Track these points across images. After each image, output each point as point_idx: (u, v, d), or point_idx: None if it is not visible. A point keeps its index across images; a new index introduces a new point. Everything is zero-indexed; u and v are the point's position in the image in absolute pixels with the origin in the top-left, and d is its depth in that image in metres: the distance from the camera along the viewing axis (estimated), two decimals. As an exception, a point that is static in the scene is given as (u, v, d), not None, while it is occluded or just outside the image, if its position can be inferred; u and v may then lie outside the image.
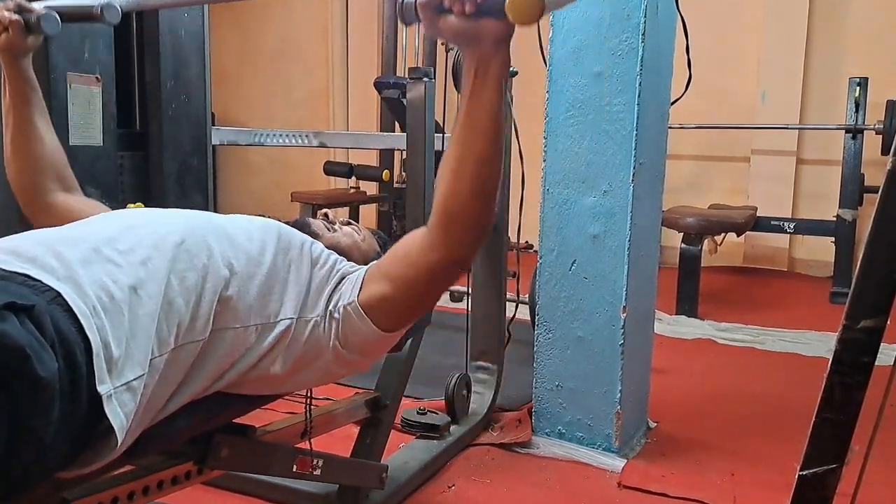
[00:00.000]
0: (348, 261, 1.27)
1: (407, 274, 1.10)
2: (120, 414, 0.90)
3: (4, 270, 0.91)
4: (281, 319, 1.11)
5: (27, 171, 1.35)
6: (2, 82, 1.33)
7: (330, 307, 1.15)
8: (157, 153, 2.25)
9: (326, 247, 1.30)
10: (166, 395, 1.00)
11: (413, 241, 1.10)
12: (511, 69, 2.31)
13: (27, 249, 0.95)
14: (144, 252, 1.01)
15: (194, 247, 1.05)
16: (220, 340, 1.05)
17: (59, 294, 0.89)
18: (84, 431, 0.89)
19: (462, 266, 1.10)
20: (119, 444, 0.90)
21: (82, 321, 0.88)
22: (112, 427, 0.89)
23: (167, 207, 1.31)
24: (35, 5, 1.32)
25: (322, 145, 2.42)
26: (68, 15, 1.37)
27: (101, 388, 0.88)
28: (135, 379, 0.92)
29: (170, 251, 1.02)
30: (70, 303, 0.89)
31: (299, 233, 1.24)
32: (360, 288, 1.14)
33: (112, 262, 0.97)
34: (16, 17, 1.29)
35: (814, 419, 0.83)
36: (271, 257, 1.13)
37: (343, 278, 1.18)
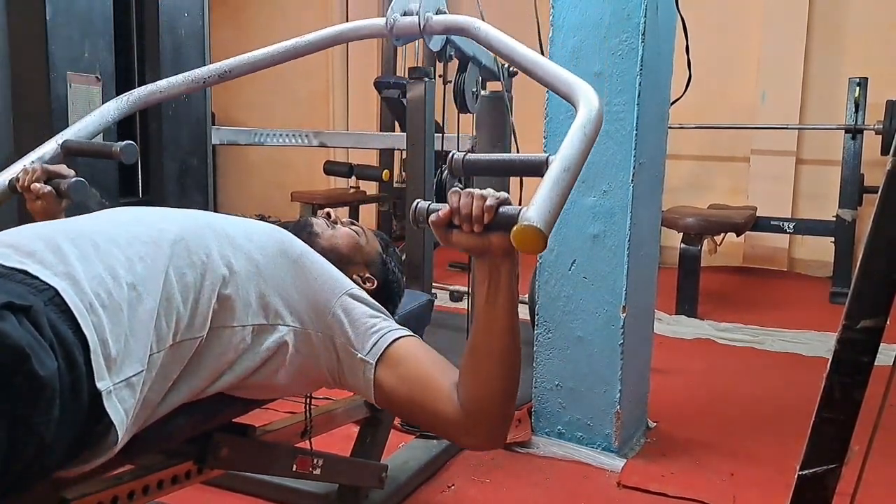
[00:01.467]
0: (348, 269, 1.27)
1: (425, 413, 1.09)
2: (120, 410, 0.90)
3: (3, 267, 0.92)
4: (280, 325, 1.11)
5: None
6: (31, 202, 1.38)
7: (337, 340, 1.12)
8: (157, 153, 2.25)
9: (325, 247, 1.30)
10: (163, 391, 1.00)
11: (442, 396, 1.06)
12: (511, 69, 2.33)
13: (27, 244, 0.96)
14: (144, 249, 1.01)
15: (193, 245, 1.05)
16: (218, 339, 1.05)
17: (56, 293, 0.89)
18: (84, 429, 0.89)
19: (468, 444, 1.12)
20: (119, 440, 0.91)
21: (79, 319, 0.88)
22: (111, 424, 0.89)
23: (167, 207, 1.31)
24: (62, 168, 1.38)
25: (322, 145, 2.42)
26: (89, 154, 1.51)
27: (100, 385, 0.88)
28: (134, 375, 0.92)
29: (169, 248, 1.02)
30: (67, 301, 0.89)
31: (300, 241, 1.22)
32: (380, 357, 1.10)
33: (112, 258, 0.97)
34: (47, 188, 1.34)
35: (813, 419, 0.83)
36: (271, 260, 1.13)
37: (353, 311, 1.14)
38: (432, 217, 0.99)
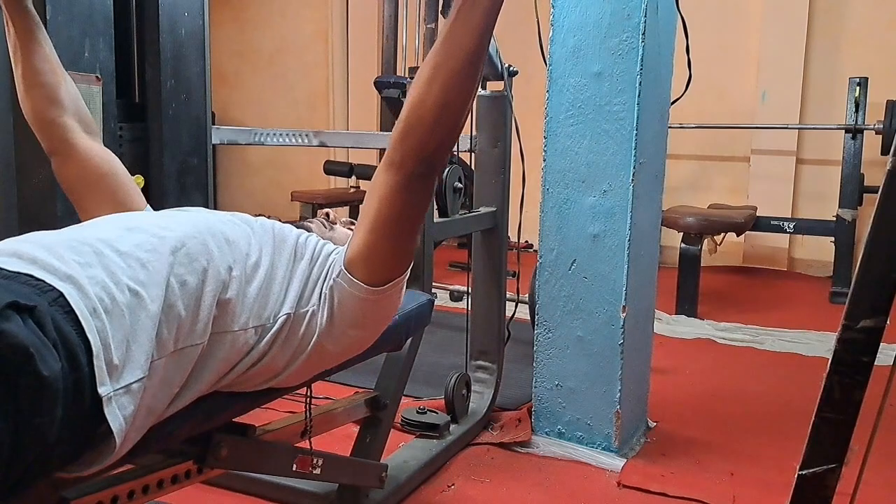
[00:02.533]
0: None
1: (378, 211, 1.11)
2: (119, 417, 0.90)
3: (7, 271, 0.92)
4: (279, 317, 1.12)
5: (45, 104, 1.32)
6: (5, 23, 1.31)
7: (324, 290, 1.16)
8: (157, 152, 2.25)
9: None
10: (168, 398, 1.00)
11: (375, 177, 1.11)
12: (511, 68, 2.32)
13: (28, 251, 0.96)
14: (146, 255, 1.01)
15: (194, 250, 1.06)
16: (220, 344, 1.05)
17: (61, 294, 0.89)
18: (86, 431, 0.89)
19: (420, 182, 1.10)
20: (118, 446, 0.91)
21: (83, 322, 0.88)
22: (109, 430, 0.89)
23: (167, 207, 1.31)
24: None
25: (322, 145, 2.42)
26: None
27: (101, 390, 0.88)
28: (135, 382, 0.92)
29: (170, 254, 1.03)
30: (72, 303, 0.89)
31: (294, 228, 1.24)
32: (345, 253, 1.16)
33: (114, 265, 0.97)
34: None
35: (813, 419, 0.83)
36: (269, 259, 1.14)
37: (330, 257, 1.20)
38: None
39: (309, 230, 1.36)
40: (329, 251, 1.22)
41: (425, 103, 1.04)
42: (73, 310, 0.89)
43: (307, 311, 1.15)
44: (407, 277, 1.21)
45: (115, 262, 0.98)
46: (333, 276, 1.15)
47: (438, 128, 1.05)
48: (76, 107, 1.35)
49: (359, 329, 1.20)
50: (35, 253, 0.95)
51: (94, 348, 0.88)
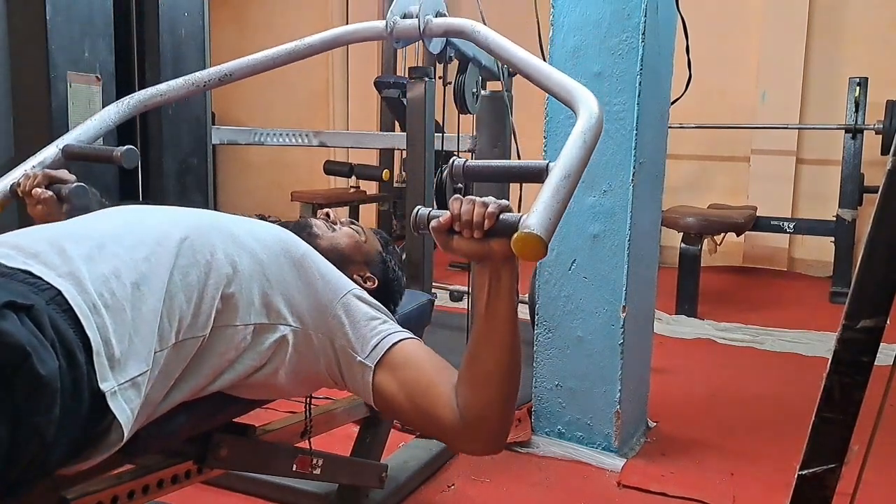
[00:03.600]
0: (348, 269, 1.28)
1: (424, 419, 1.09)
2: (126, 410, 0.90)
3: (6, 267, 0.92)
4: (281, 324, 1.11)
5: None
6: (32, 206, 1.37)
7: (337, 342, 1.12)
8: (157, 153, 2.25)
9: (325, 247, 1.30)
10: (165, 388, 1.00)
11: (442, 402, 1.06)
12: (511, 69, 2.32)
13: (30, 245, 0.96)
14: (148, 249, 1.01)
15: (198, 244, 1.06)
16: (220, 337, 1.05)
17: (59, 292, 0.90)
18: (86, 428, 0.89)
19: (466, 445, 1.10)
20: (123, 438, 0.91)
21: (82, 320, 0.88)
22: (114, 422, 0.90)
23: (169, 207, 1.31)
24: (63, 173, 1.37)
25: (322, 145, 2.42)
26: (91, 159, 1.51)
27: (104, 386, 0.88)
28: (139, 375, 0.92)
29: (173, 247, 1.03)
30: (70, 301, 0.89)
31: (303, 242, 1.22)
32: (380, 361, 1.10)
33: (116, 258, 0.97)
34: (48, 193, 1.33)
35: (813, 419, 0.83)
36: (274, 259, 1.13)
37: (354, 312, 1.14)
38: (433, 223, 0.99)
39: (311, 228, 1.35)
40: (342, 285, 1.17)
41: (489, 405, 1.03)
42: (71, 307, 0.89)
43: (313, 335, 1.13)
44: None
45: (118, 257, 0.98)
46: (358, 356, 1.11)
47: (508, 420, 1.06)
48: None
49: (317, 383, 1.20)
50: (36, 246, 0.95)
51: (93, 345, 0.88)
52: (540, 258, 0.93)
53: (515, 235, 0.91)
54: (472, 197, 0.99)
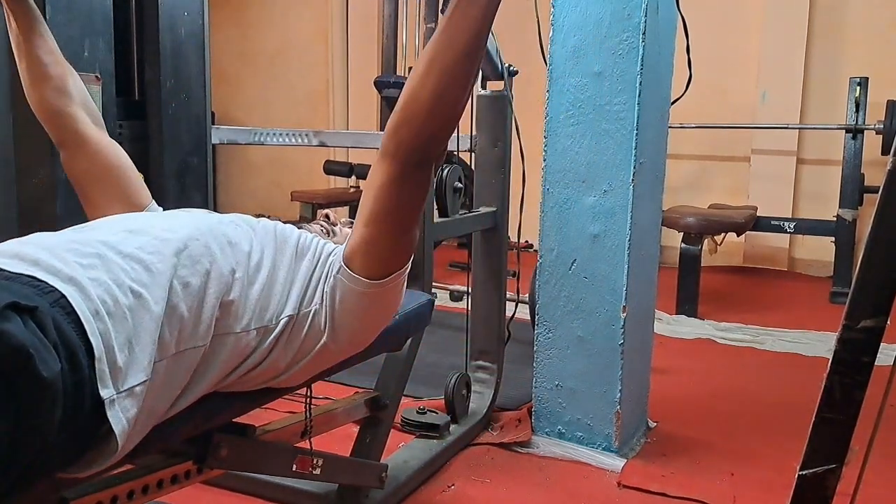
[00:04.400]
0: None
1: (374, 203, 1.12)
2: (122, 419, 0.90)
3: (8, 272, 0.91)
4: (282, 318, 1.12)
5: (54, 94, 1.32)
6: (6, 19, 1.31)
7: (325, 288, 1.16)
8: (156, 152, 2.25)
9: None
10: (170, 399, 1.00)
11: (371, 170, 1.12)
12: (511, 68, 2.32)
13: (30, 253, 0.95)
14: (149, 258, 1.01)
15: (197, 252, 1.06)
16: (222, 346, 1.05)
17: (62, 295, 0.89)
18: (86, 433, 0.89)
19: (416, 173, 1.10)
20: (119, 448, 0.91)
21: (85, 325, 0.88)
22: (111, 431, 0.89)
23: (167, 207, 1.31)
24: None
25: (322, 144, 2.41)
26: None
27: (103, 393, 0.88)
28: (138, 385, 0.92)
29: (173, 256, 1.02)
30: (74, 305, 0.89)
31: (295, 229, 1.24)
32: (344, 249, 1.16)
33: (116, 267, 0.97)
34: None
35: (813, 419, 0.83)
36: (271, 260, 1.14)
37: (331, 255, 1.20)
38: None
39: (310, 230, 1.36)
40: (330, 250, 1.22)
41: (420, 95, 1.04)
42: (74, 311, 0.89)
43: (310, 311, 1.15)
44: (407, 271, 1.22)
45: (118, 265, 0.97)
46: (333, 272, 1.16)
47: (433, 119, 1.05)
48: (83, 98, 1.36)
49: (359, 325, 1.20)
50: (37, 254, 0.95)
51: (95, 351, 0.88)
52: None
53: None
54: None
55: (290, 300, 1.14)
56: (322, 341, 1.17)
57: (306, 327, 1.15)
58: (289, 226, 1.25)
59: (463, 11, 1.01)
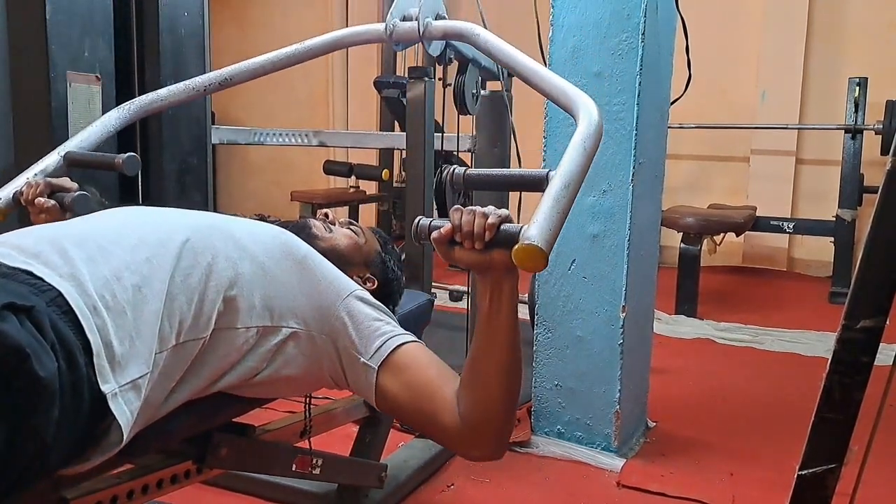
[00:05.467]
0: (348, 269, 1.27)
1: (426, 422, 1.10)
2: (126, 412, 0.90)
3: (7, 267, 0.92)
4: (283, 327, 1.11)
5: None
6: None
7: (340, 343, 1.13)
8: (156, 153, 2.25)
9: (324, 248, 1.30)
10: (166, 390, 1.00)
11: (444, 407, 1.06)
12: (511, 69, 2.32)
13: (32, 245, 0.96)
14: (149, 250, 1.01)
15: (199, 246, 1.06)
16: (222, 340, 1.05)
17: (59, 293, 0.89)
18: (86, 429, 0.89)
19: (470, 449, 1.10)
20: (123, 440, 0.91)
21: (82, 321, 0.88)
22: (114, 424, 0.90)
23: (167, 207, 1.31)
24: (65, 181, 1.39)
25: (322, 144, 2.42)
26: (92, 166, 1.52)
27: (105, 388, 0.88)
28: (140, 377, 0.92)
29: (175, 249, 1.03)
30: (71, 302, 0.89)
31: (304, 244, 1.22)
32: (383, 363, 1.10)
33: (117, 260, 0.97)
34: (51, 202, 1.34)
35: (813, 419, 0.83)
36: (276, 262, 1.13)
37: (357, 314, 1.14)
38: (434, 234, 1.00)
39: (310, 228, 1.35)
40: (344, 286, 1.17)
41: (490, 407, 1.04)
42: (71, 309, 0.89)
43: (316, 336, 1.13)
44: None
45: (119, 258, 0.98)
46: (362, 357, 1.11)
47: (509, 422, 1.07)
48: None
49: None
50: (38, 247, 0.95)
51: (93, 347, 0.88)
52: (540, 269, 0.94)
53: (516, 247, 0.92)
54: (473, 208, 0.99)
55: (293, 311, 1.12)
56: (322, 376, 1.17)
57: (311, 350, 1.13)
58: (298, 239, 1.23)
59: (495, 319, 1.02)
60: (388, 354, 1.10)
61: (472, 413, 1.04)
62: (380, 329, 1.13)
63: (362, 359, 1.11)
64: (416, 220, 1.04)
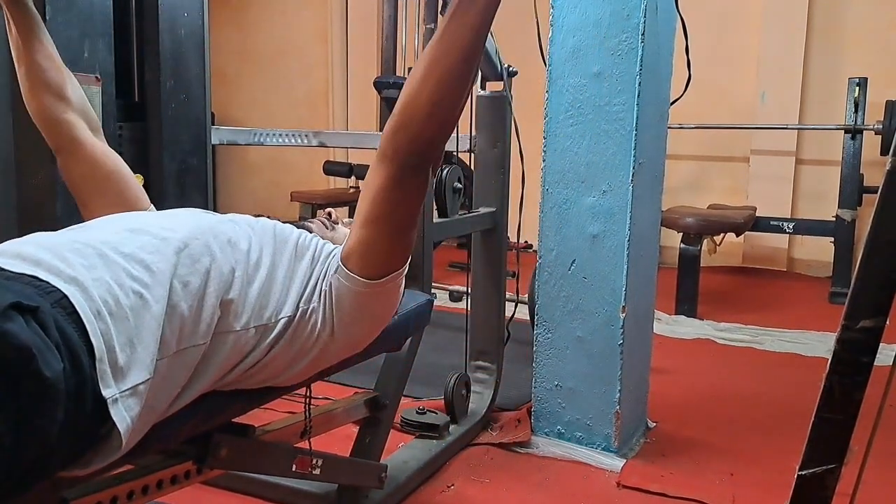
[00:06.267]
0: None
1: (372, 204, 1.13)
2: (126, 418, 0.90)
3: (10, 272, 0.91)
4: (281, 318, 1.12)
5: (51, 100, 1.32)
6: (6, 23, 1.31)
7: (323, 287, 1.16)
8: (156, 153, 2.25)
9: None
10: (170, 397, 1.00)
11: (369, 172, 1.13)
12: (511, 69, 2.32)
13: (32, 253, 0.95)
14: (149, 257, 1.01)
15: (197, 251, 1.06)
16: (222, 344, 1.05)
17: (64, 296, 0.89)
18: (88, 432, 0.89)
19: (413, 175, 1.10)
20: (123, 446, 0.91)
21: (86, 325, 0.88)
22: (115, 430, 0.89)
23: (167, 207, 1.31)
24: None
25: (322, 145, 2.41)
26: None
27: (106, 393, 0.88)
28: (141, 383, 0.92)
29: (173, 255, 1.03)
30: (75, 305, 0.89)
31: (294, 228, 1.25)
32: (342, 249, 1.17)
33: (117, 267, 0.97)
34: None
35: (813, 419, 0.83)
36: (270, 259, 1.14)
37: (330, 255, 1.20)
38: None
39: (310, 230, 1.36)
40: (329, 250, 1.22)
41: (419, 98, 1.05)
42: (76, 311, 0.89)
43: (308, 309, 1.15)
44: (405, 272, 1.22)
45: (119, 265, 0.98)
46: (331, 272, 1.16)
47: (431, 122, 1.06)
48: (82, 104, 1.36)
49: (357, 325, 1.21)
50: (38, 254, 0.95)
51: (97, 351, 0.88)
52: None
53: None
54: None
55: (289, 299, 1.14)
56: (321, 340, 1.17)
57: (306, 326, 1.15)
58: (288, 225, 1.25)
59: (460, 18, 1.02)
60: (343, 245, 1.18)
61: (397, 114, 1.06)
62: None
63: (331, 271, 1.16)
64: None
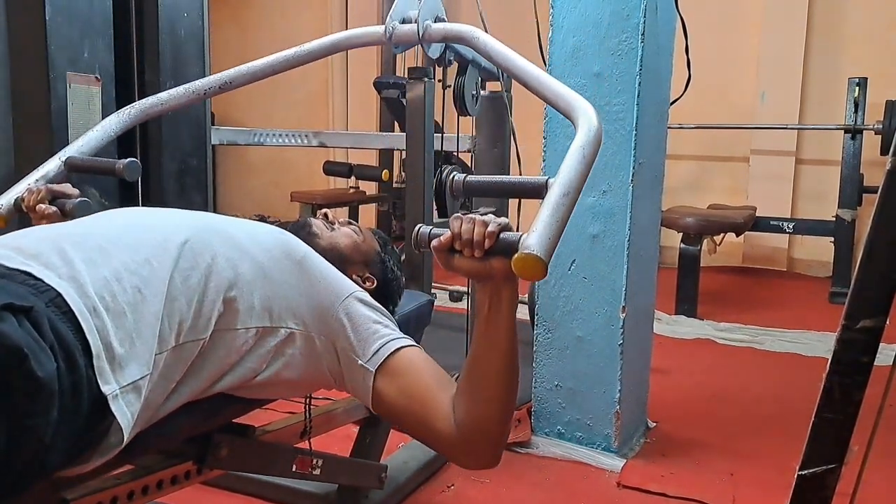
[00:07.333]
0: (347, 269, 1.28)
1: (421, 428, 1.09)
2: (127, 413, 0.90)
3: (5, 268, 0.91)
4: (282, 327, 1.11)
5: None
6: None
7: (339, 344, 1.12)
8: (156, 153, 2.25)
9: (324, 248, 1.30)
10: (165, 392, 1.00)
11: (440, 414, 1.06)
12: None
13: (31, 246, 0.96)
14: (149, 252, 1.01)
15: (199, 247, 1.06)
16: (221, 341, 1.05)
17: (59, 294, 0.89)
18: (86, 431, 0.89)
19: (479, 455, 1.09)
20: (123, 441, 0.91)
21: (82, 323, 0.88)
22: (114, 425, 0.90)
23: (167, 207, 1.31)
24: (66, 187, 1.39)
25: (321, 145, 2.42)
26: (93, 171, 1.53)
27: (105, 389, 0.88)
28: (140, 378, 0.92)
29: (174, 250, 1.03)
30: (70, 303, 0.89)
31: (303, 243, 1.22)
32: (381, 366, 1.10)
33: (117, 262, 0.97)
34: (52, 209, 1.35)
35: (813, 419, 0.83)
36: (275, 263, 1.13)
37: (356, 316, 1.14)
38: (434, 242, 1.01)
39: (310, 227, 1.35)
40: (345, 287, 1.17)
41: (485, 416, 1.03)
42: (70, 309, 0.89)
43: (315, 337, 1.13)
44: None
45: (119, 260, 0.98)
46: (359, 360, 1.11)
47: (504, 431, 1.06)
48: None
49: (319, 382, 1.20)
50: (37, 248, 0.95)
51: (93, 349, 0.88)
52: (539, 278, 0.94)
53: (516, 256, 0.92)
54: (473, 216, 0.99)
55: (292, 311, 1.12)
56: (321, 378, 1.17)
57: (310, 352, 1.13)
58: (298, 239, 1.23)
59: (494, 325, 1.02)
60: (386, 358, 1.10)
61: (467, 421, 1.03)
62: (378, 332, 1.12)
63: (360, 361, 1.10)
64: (416, 229, 1.05)
